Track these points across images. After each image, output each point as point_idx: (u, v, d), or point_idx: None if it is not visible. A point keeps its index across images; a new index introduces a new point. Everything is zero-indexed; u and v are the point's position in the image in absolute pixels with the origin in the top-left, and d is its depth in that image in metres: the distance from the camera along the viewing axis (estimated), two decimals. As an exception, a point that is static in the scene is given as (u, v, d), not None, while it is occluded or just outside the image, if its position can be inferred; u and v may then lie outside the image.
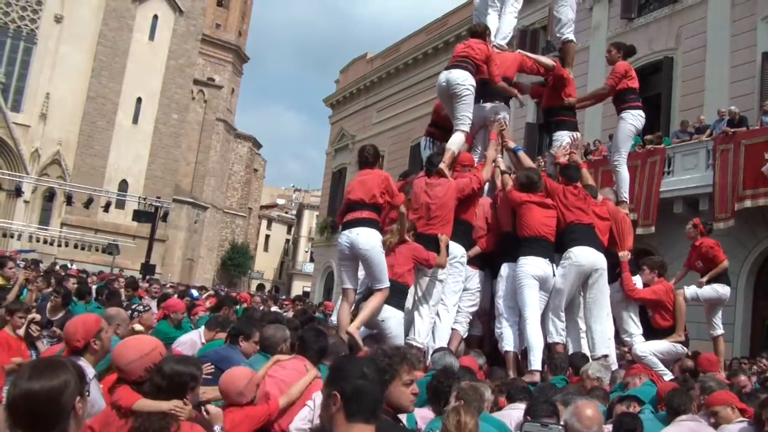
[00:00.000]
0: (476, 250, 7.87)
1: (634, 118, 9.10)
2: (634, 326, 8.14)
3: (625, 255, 8.19)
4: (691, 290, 8.60)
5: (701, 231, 9.04)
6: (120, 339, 5.20)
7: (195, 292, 18.47)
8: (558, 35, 9.66)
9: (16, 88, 49.34)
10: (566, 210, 7.63)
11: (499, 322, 7.50)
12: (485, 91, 8.26)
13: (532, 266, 7.31)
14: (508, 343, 7.31)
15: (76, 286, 11.91)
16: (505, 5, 9.30)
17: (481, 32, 8.40)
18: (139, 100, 52.21)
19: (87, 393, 2.42)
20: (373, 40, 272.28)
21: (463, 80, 7.84)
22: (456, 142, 7.99)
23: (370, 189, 6.66)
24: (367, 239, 6.54)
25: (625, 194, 9.33)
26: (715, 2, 19.52)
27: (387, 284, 6.56)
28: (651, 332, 8.09)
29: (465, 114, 7.99)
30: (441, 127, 9.34)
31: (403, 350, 3.52)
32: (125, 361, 3.60)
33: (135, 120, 52.10)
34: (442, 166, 7.63)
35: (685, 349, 7.95)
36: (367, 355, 3.06)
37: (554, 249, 7.60)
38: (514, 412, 4.64)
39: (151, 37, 53.06)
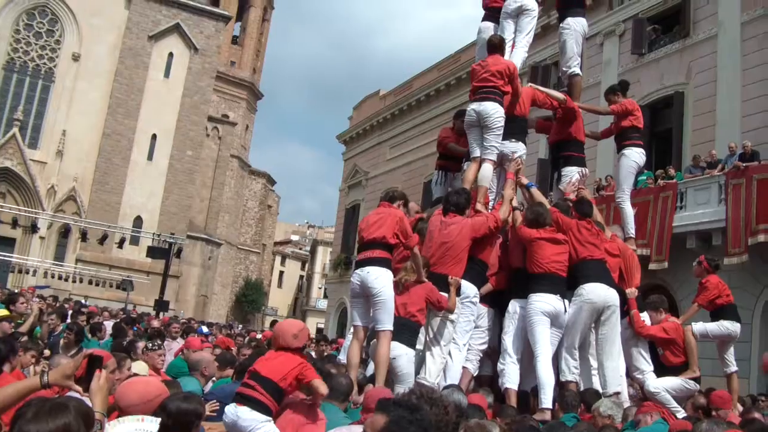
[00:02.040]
0: (488, 287, 7.83)
1: (636, 155, 9.14)
2: (645, 363, 8.08)
3: (632, 292, 8.15)
4: (698, 326, 8.55)
5: (706, 268, 8.98)
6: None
7: (205, 329, 18.51)
8: (564, 69, 9.72)
9: (33, 126, 49.95)
10: (579, 245, 7.60)
11: (503, 359, 7.42)
12: (504, 129, 8.28)
13: (543, 303, 7.26)
14: (509, 381, 7.22)
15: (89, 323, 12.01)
16: (519, 32, 9.34)
17: (498, 44, 8.50)
18: (154, 136, 52.63)
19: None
20: (386, 77, 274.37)
21: (495, 112, 7.99)
22: (487, 176, 8.08)
23: (385, 228, 6.66)
24: (377, 279, 6.53)
25: (631, 230, 9.32)
26: (725, 37, 19.59)
27: (390, 327, 6.52)
28: (662, 370, 8.02)
29: (494, 144, 8.11)
30: (451, 159, 9.39)
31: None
32: (125, 404, 3.64)
33: (150, 156, 52.50)
34: (479, 206, 7.74)
35: (698, 385, 7.87)
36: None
37: (566, 285, 7.55)
38: (522, 451, 4.60)
39: (167, 74, 53.61)
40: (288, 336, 5.06)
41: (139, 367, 6.16)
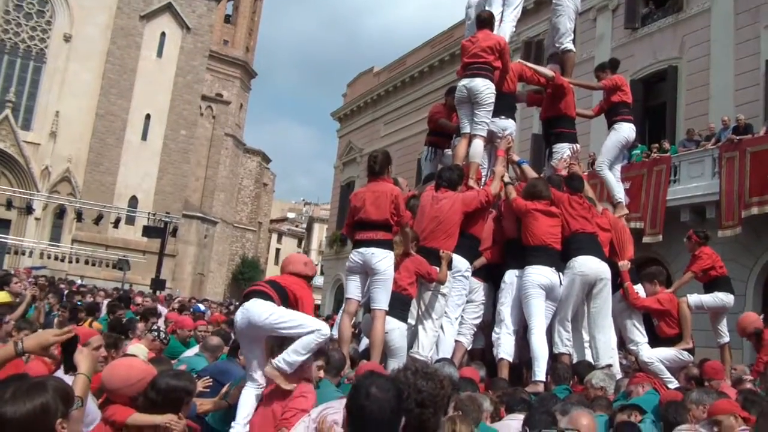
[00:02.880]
0: (481, 261, 7.85)
1: (626, 130, 9.18)
2: (639, 335, 8.13)
3: (625, 264, 8.19)
4: (693, 298, 8.60)
5: (696, 241, 9.04)
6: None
7: (201, 306, 18.58)
8: (557, 45, 9.71)
9: (26, 107, 49.75)
10: (571, 219, 7.64)
11: (498, 328, 7.43)
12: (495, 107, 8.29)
13: (539, 275, 7.29)
14: (504, 351, 7.23)
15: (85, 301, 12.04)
16: (507, 6, 9.33)
17: (488, 19, 8.50)
18: (147, 116, 52.52)
19: (76, 409, 2.45)
20: (379, 54, 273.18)
21: (486, 88, 8.03)
22: (478, 152, 8.12)
23: (384, 209, 6.59)
24: (382, 260, 6.51)
25: (618, 196, 9.32)
26: (719, 11, 19.54)
27: (386, 307, 6.54)
28: (656, 341, 8.07)
29: (485, 120, 8.14)
30: (441, 135, 9.40)
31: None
32: (111, 387, 3.67)
33: (144, 137, 52.40)
34: (471, 182, 7.77)
35: (691, 357, 7.93)
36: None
37: (560, 258, 7.59)
38: (513, 422, 4.64)
39: (159, 54, 53.39)
40: (299, 264, 5.36)
41: (138, 349, 6.07)
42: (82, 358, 2.90)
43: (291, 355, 4.67)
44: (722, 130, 17.00)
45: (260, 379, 4.87)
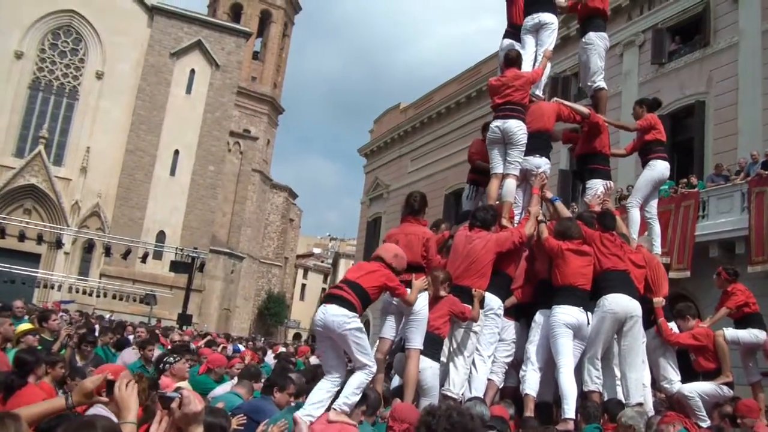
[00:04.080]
0: (512, 300, 7.86)
1: (661, 167, 9.17)
2: (672, 372, 8.06)
3: (659, 301, 8.14)
4: (730, 332, 8.51)
5: (726, 278, 8.99)
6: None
7: (241, 347, 18.61)
8: (589, 84, 9.77)
9: (58, 143, 50.56)
10: (603, 257, 7.62)
11: (525, 366, 7.45)
12: (528, 144, 8.36)
13: (566, 315, 7.28)
14: (529, 387, 7.25)
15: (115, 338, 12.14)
16: (540, 46, 9.39)
17: (515, 58, 8.57)
18: (176, 152, 53.10)
19: None
20: (406, 90, 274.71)
21: (519, 129, 8.13)
22: (511, 191, 8.17)
23: (417, 252, 6.70)
24: (418, 301, 6.57)
25: (634, 235, 9.28)
26: (746, 45, 19.55)
27: (421, 346, 6.57)
28: (691, 377, 8.01)
29: (517, 160, 8.22)
30: (482, 173, 9.44)
31: None
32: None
33: (172, 172, 52.95)
34: (504, 221, 7.82)
35: (731, 391, 7.85)
36: None
37: (590, 297, 7.58)
38: (545, 461, 4.63)
39: (188, 90, 54.11)
40: (389, 253, 6.03)
41: (186, 385, 6.16)
42: (132, 403, 2.96)
43: (350, 397, 5.29)
44: (751, 165, 16.92)
45: (336, 374, 5.56)
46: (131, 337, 13.59)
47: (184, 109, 53.31)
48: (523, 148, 8.21)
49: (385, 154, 40.68)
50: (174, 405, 2.79)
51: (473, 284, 7.18)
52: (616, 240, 7.80)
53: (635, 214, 9.30)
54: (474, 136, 11.39)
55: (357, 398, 5.38)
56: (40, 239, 40.35)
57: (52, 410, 3.13)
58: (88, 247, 48.69)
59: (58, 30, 51.65)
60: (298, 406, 5.64)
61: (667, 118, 20.74)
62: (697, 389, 7.69)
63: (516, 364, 7.87)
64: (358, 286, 5.68)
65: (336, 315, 5.48)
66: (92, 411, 3.48)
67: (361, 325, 5.66)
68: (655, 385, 8.12)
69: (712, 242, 17.32)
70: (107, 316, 31.56)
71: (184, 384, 6.43)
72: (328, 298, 5.72)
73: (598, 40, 9.60)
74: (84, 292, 42.75)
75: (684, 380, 8.01)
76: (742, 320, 8.78)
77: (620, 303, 7.45)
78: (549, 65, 9.50)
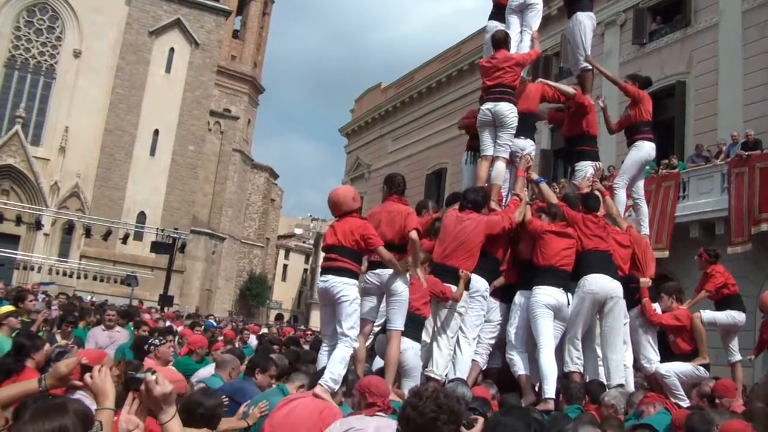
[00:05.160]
0: (500, 281, 7.89)
1: (648, 148, 9.18)
2: (652, 352, 8.10)
3: (645, 281, 8.17)
4: (707, 314, 8.58)
5: (707, 260, 9.06)
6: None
7: (214, 322, 18.63)
8: (579, 64, 9.73)
9: (35, 123, 50.08)
10: (585, 238, 7.64)
11: (510, 350, 7.52)
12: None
13: (546, 295, 7.31)
14: (519, 368, 7.34)
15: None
16: (526, 27, 9.34)
17: (503, 39, 8.55)
18: (156, 132, 52.73)
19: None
20: (387, 70, 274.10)
21: (510, 111, 8.16)
22: (500, 174, 8.20)
23: (399, 229, 6.67)
24: (399, 282, 6.57)
25: (621, 219, 9.30)
26: (726, 25, 19.58)
27: (402, 327, 6.56)
28: (671, 357, 8.05)
29: (507, 143, 8.26)
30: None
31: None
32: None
33: (152, 152, 52.60)
34: (492, 204, 7.85)
35: (707, 373, 7.90)
36: None
37: (571, 277, 7.60)
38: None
39: (168, 69, 53.67)
40: (349, 200, 6.35)
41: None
42: (107, 388, 2.91)
43: (335, 372, 5.44)
44: (731, 146, 17.00)
45: (335, 339, 6.01)
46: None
47: (164, 89, 52.89)
48: (514, 131, 8.24)
49: (366, 133, 40.60)
50: (142, 387, 2.77)
51: (461, 265, 7.19)
52: (600, 221, 7.81)
53: (621, 195, 9.33)
54: (456, 116, 11.38)
55: (343, 371, 5.55)
56: (18, 220, 39.99)
57: (25, 392, 3.12)
58: (68, 228, 48.29)
59: (33, 7, 50.98)
60: (280, 388, 5.63)
61: (648, 98, 20.79)
62: (674, 369, 7.73)
63: (500, 345, 7.90)
64: (345, 249, 6.12)
65: (336, 283, 6.02)
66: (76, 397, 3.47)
67: (357, 297, 6.12)
68: (636, 364, 8.17)
69: (693, 223, 17.43)
70: (88, 297, 31.41)
71: (168, 367, 6.40)
72: (325, 269, 6.21)
73: (585, 20, 9.54)
74: (64, 274, 42.56)
75: (663, 360, 8.05)
76: (722, 302, 8.85)
77: (600, 283, 7.47)
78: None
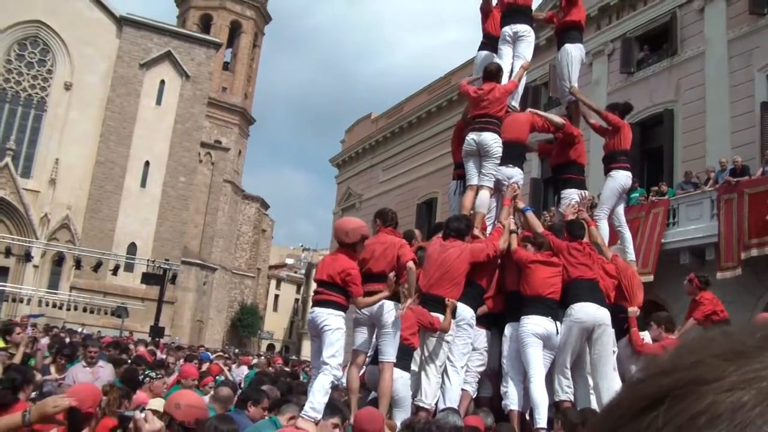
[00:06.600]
0: (483, 309, 7.88)
1: (623, 178, 9.23)
2: (642, 381, 8.09)
3: (633, 311, 8.16)
4: None
5: (697, 286, 9.07)
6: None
7: (210, 355, 18.52)
8: (565, 94, 9.82)
9: (26, 155, 50.12)
10: (571, 267, 7.66)
11: (505, 381, 7.49)
12: (503, 155, 8.44)
13: (534, 325, 7.32)
14: (512, 402, 7.30)
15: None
16: (518, 58, 9.42)
17: (495, 72, 8.63)
18: (147, 163, 52.77)
19: None
20: (377, 100, 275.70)
21: (494, 141, 8.25)
22: (485, 202, 8.25)
23: (392, 261, 6.69)
24: (389, 312, 6.59)
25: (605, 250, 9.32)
26: (713, 54, 19.79)
27: (394, 359, 6.59)
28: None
29: (491, 172, 8.34)
30: None
31: None
32: (187, 402, 3.96)
33: (143, 183, 52.61)
34: (476, 231, 7.87)
35: None
36: None
37: (559, 306, 7.61)
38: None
39: (159, 101, 53.84)
40: (341, 233, 6.58)
41: (159, 403, 6.12)
42: None
43: (316, 402, 5.52)
44: (720, 172, 17.09)
45: (332, 364, 6.09)
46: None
47: (155, 121, 53.00)
48: (498, 161, 8.31)
49: (356, 164, 40.67)
50: (131, 426, 2.79)
51: (446, 294, 7.19)
52: (585, 249, 7.83)
53: (604, 225, 9.36)
54: (446, 146, 11.45)
55: (325, 399, 5.65)
56: (8, 252, 39.80)
57: (8, 426, 3.12)
58: (58, 260, 48.19)
59: (24, 40, 51.21)
60: (272, 420, 5.60)
61: (636, 126, 20.91)
62: None
63: (490, 374, 7.89)
64: (333, 285, 6.31)
65: (320, 314, 6.25)
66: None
67: (342, 327, 6.29)
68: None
69: (683, 249, 17.46)
70: (78, 329, 31.20)
71: (160, 401, 6.36)
72: (314, 302, 6.47)
73: (574, 51, 9.66)
74: (54, 306, 42.31)
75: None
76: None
77: (587, 312, 7.48)
78: (525, 76, 9.56)
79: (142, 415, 2.75)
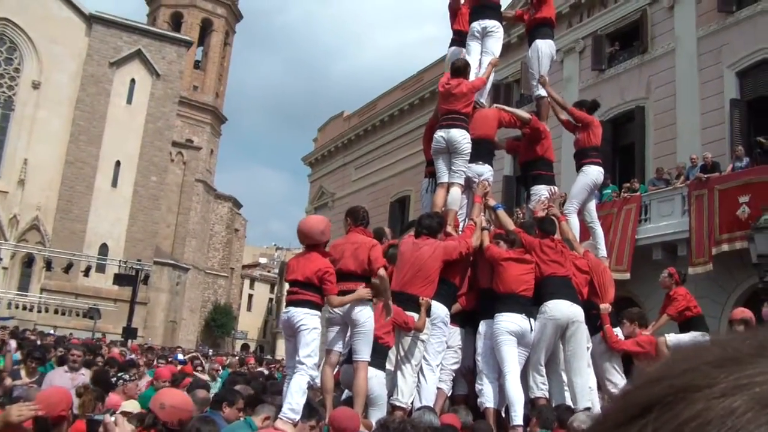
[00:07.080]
0: (457, 307, 7.86)
1: (594, 173, 9.26)
2: (618, 376, 8.13)
3: (606, 308, 8.19)
4: (672, 338, 8.60)
5: (676, 280, 9.11)
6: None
7: (181, 356, 18.38)
8: (533, 90, 9.86)
9: (-7, 155, 49.37)
10: (543, 264, 7.68)
11: (480, 379, 7.48)
12: (472, 152, 8.43)
13: (508, 322, 7.32)
14: (487, 400, 7.29)
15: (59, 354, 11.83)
16: (485, 53, 9.43)
17: (463, 68, 8.62)
18: (117, 163, 52.26)
19: None
20: (349, 98, 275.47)
21: (463, 138, 8.23)
22: (456, 199, 8.24)
23: (363, 260, 6.65)
24: (362, 311, 6.54)
25: (576, 244, 9.36)
26: (682, 52, 19.96)
27: (368, 358, 6.56)
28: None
29: (462, 169, 8.32)
30: None
31: None
32: (171, 402, 3.95)
33: (114, 183, 52.11)
34: (449, 229, 7.86)
35: None
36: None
37: (532, 303, 7.62)
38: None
39: (129, 100, 53.35)
40: (316, 233, 6.44)
41: (132, 405, 6.05)
42: None
43: (294, 403, 5.53)
44: (690, 169, 17.25)
45: (308, 364, 6.07)
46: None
47: (125, 120, 52.50)
48: (468, 157, 8.29)
49: (329, 162, 40.59)
50: (100, 429, 2.76)
51: (420, 292, 7.18)
52: (557, 246, 7.85)
53: (574, 220, 9.38)
54: (419, 144, 11.42)
55: (303, 400, 5.64)
56: (-24, 254, 39.34)
57: None
58: (28, 262, 47.62)
59: (-10, 38, 50.46)
60: (247, 422, 5.55)
61: (608, 123, 21.08)
62: None
63: (464, 372, 7.89)
64: (309, 285, 6.25)
65: (296, 313, 6.20)
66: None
67: (318, 327, 6.27)
68: (601, 389, 8.20)
69: (655, 245, 17.60)
70: (50, 331, 30.87)
71: (133, 403, 6.29)
72: (288, 302, 6.41)
73: (543, 47, 9.69)
74: (24, 308, 41.86)
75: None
76: (685, 324, 8.89)
77: (561, 309, 7.51)
78: (493, 72, 9.56)
79: (112, 418, 2.70)
